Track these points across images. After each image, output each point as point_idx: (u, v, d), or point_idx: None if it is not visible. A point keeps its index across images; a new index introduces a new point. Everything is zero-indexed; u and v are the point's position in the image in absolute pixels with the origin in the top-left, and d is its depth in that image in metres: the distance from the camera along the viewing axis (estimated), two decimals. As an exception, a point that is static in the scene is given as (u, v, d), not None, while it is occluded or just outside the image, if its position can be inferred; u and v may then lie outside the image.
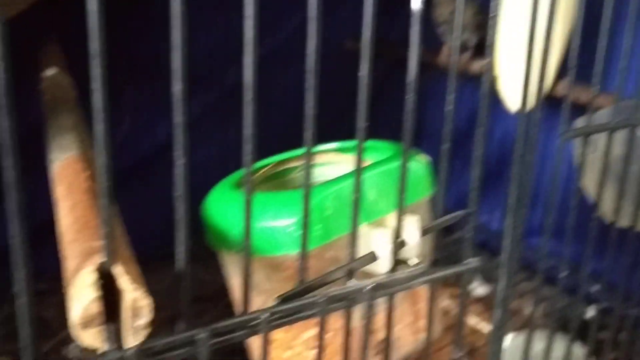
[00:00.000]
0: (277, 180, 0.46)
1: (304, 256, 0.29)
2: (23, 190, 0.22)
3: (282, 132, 0.60)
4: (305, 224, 0.28)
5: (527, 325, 0.50)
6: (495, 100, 0.87)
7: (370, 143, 0.47)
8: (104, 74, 0.22)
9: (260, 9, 0.27)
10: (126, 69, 0.88)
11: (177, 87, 0.23)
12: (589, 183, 0.77)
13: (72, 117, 0.43)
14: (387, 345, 0.35)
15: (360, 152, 0.29)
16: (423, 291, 0.41)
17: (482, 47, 0.83)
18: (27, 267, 0.22)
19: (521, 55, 0.35)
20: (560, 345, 0.51)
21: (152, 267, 0.90)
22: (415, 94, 0.31)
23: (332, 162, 0.47)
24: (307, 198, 0.28)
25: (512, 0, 0.81)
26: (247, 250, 0.27)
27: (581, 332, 0.52)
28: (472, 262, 0.37)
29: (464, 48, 0.94)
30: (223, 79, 0.98)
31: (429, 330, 0.36)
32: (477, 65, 0.92)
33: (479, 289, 1.03)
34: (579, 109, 0.46)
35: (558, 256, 1.01)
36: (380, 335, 0.36)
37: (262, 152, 0.54)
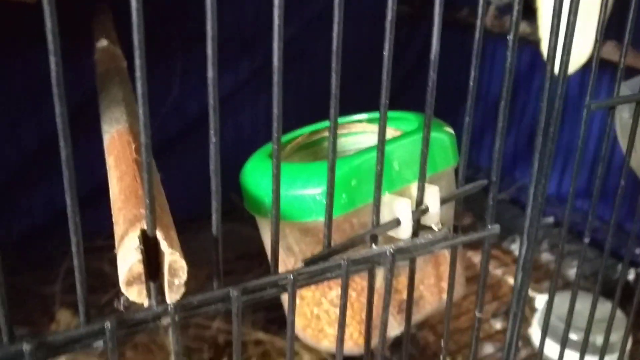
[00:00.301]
0: (312, 149, 0.49)
1: (329, 222, 0.32)
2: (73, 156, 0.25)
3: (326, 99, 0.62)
4: (330, 194, 0.31)
5: (569, 287, 0.52)
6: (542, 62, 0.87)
7: (399, 114, 0.49)
8: (142, 63, 0.24)
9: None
10: (177, 34, 0.91)
11: (211, 73, 0.26)
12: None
13: (122, 89, 0.47)
14: (409, 304, 0.37)
15: (382, 128, 0.31)
16: (446, 255, 0.43)
17: (528, 8, 0.82)
18: (77, 225, 0.25)
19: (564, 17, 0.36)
20: (601, 307, 0.52)
21: (202, 224, 0.95)
22: (436, 63, 0.33)
23: (365, 132, 0.49)
24: (332, 170, 0.30)
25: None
26: (275, 215, 0.30)
27: (624, 294, 0.53)
28: (493, 228, 0.39)
29: (508, 9, 0.93)
30: (268, 44, 1.00)
31: (450, 292, 0.38)
32: (521, 28, 0.91)
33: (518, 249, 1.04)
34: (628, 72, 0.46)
35: (603, 219, 1.01)
36: (403, 295, 0.38)
37: (305, 118, 0.56)
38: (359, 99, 0.55)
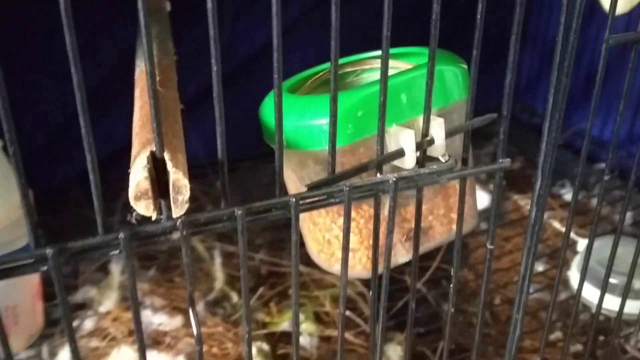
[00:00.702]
0: (340, 83, 0.50)
1: (332, 150, 0.34)
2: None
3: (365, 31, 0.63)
4: (333, 123, 0.33)
5: (614, 231, 0.52)
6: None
7: (417, 50, 0.49)
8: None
9: None
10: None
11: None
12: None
13: (158, 27, 0.49)
14: (417, 232, 0.39)
15: (385, 59, 0.32)
16: (456, 187, 0.44)
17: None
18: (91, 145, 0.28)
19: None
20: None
21: (249, 165, 0.99)
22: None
23: (390, 68, 0.50)
24: (334, 100, 0.32)
25: None
26: (279, 142, 0.32)
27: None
28: (504, 162, 0.40)
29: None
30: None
31: (459, 223, 0.40)
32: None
33: (568, 194, 1.03)
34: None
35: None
36: (411, 224, 0.40)
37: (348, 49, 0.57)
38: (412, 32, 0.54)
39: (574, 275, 0.83)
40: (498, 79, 0.48)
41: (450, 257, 0.43)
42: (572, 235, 0.92)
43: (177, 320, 0.67)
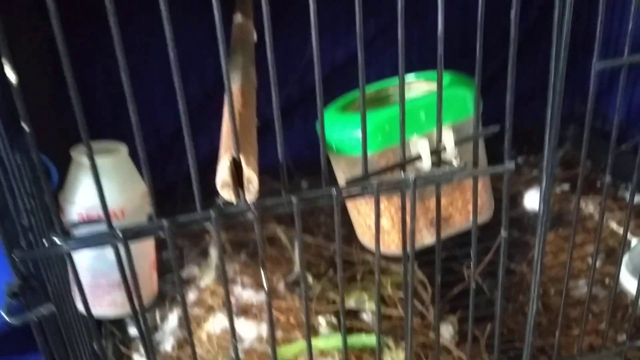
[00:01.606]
0: (379, 101, 0.62)
1: (364, 154, 0.45)
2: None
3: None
4: (364, 133, 0.44)
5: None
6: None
7: (432, 74, 0.60)
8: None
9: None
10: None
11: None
12: None
13: (244, 58, 0.63)
14: (438, 220, 0.50)
15: (402, 88, 0.44)
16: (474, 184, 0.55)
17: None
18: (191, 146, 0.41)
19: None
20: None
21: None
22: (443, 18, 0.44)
23: (417, 88, 0.61)
24: (363, 118, 0.44)
25: None
26: (322, 146, 0.44)
27: None
28: (509, 164, 0.50)
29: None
30: (391, 4, 1.11)
31: (474, 215, 0.50)
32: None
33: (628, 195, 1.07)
34: None
35: None
36: (434, 213, 0.51)
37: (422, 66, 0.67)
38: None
39: (624, 271, 0.89)
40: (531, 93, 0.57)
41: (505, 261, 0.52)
42: (628, 234, 0.97)
43: (262, 295, 0.81)
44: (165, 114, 1.07)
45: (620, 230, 0.99)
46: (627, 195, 1.10)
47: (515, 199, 1.08)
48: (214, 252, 0.90)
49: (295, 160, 0.95)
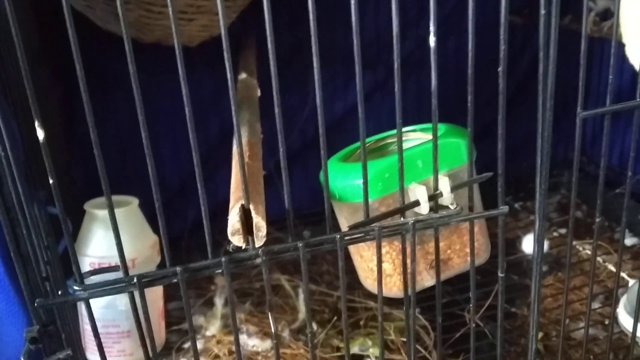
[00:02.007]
0: (378, 152, 0.65)
1: (366, 201, 0.48)
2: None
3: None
4: (365, 183, 0.47)
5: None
6: None
7: (428, 125, 0.63)
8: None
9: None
10: (308, 55, 1.10)
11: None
12: None
13: (249, 113, 0.66)
14: (437, 263, 0.52)
15: (399, 139, 0.47)
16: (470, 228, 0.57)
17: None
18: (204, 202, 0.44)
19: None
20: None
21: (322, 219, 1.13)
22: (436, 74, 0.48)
23: (416, 139, 0.64)
24: (364, 167, 0.47)
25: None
26: (327, 197, 0.47)
27: None
28: (503, 209, 0.53)
29: (605, 16, 1.00)
30: (388, 59, 1.17)
31: (471, 256, 0.53)
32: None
33: (626, 239, 1.10)
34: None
35: None
36: (434, 256, 0.53)
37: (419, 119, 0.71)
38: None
39: (622, 312, 0.90)
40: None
41: (507, 297, 0.54)
42: (625, 276, 0.99)
43: (267, 344, 0.82)
44: (170, 168, 1.10)
45: (621, 274, 1.01)
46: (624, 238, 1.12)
47: (514, 244, 1.10)
48: (219, 302, 0.91)
49: (295, 209, 0.98)
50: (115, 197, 0.71)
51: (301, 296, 0.94)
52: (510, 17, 1.24)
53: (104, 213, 0.67)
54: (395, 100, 0.47)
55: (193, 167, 1.15)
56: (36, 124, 0.39)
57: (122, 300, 0.66)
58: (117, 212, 0.67)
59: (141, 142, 0.44)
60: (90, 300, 0.45)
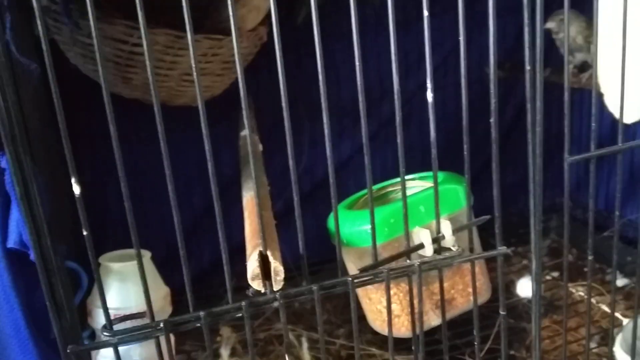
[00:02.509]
0: (381, 200, 0.69)
1: (374, 245, 0.51)
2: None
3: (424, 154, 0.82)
4: (373, 228, 0.51)
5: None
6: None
7: (428, 174, 0.67)
8: None
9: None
10: (304, 108, 1.15)
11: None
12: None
13: (255, 166, 0.70)
14: (442, 302, 0.55)
15: (403, 188, 0.51)
16: (469, 268, 0.60)
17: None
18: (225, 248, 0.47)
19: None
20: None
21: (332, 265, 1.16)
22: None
23: (415, 187, 0.68)
24: (372, 214, 0.50)
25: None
26: (337, 241, 0.50)
27: None
28: (501, 249, 0.56)
29: (583, 68, 1.07)
30: (378, 113, 1.22)
31: (474, 296, 0.56)
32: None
33: (618, 280, 1.13)
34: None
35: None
36: (439, 296, 0.56)
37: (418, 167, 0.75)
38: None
39: (619, 351, 0.93)
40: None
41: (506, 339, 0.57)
42: (619, 315, 1.02)
43: (275, 393, 0.84)
44: (173, 224, 1.13)
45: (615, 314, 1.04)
46: (616, 279, 1.15)
47: (509, 288, 1.13)
48: (225, 353, 0.93)
49: (295, 259, 1.01)
50: (127, 251, 0.74)
51: (305, 345, 0.95)
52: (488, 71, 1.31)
53: (119, 266, 0.69)
54: (386, 152, 0.51)
55: (199, 219, 1.17)
56: (73, 180, 0.42)
57: (136, 351, 0.68)
58: (131, 265, 0.70)
59: (148, 196, 0.47)
60: (104, 353, 0.47)
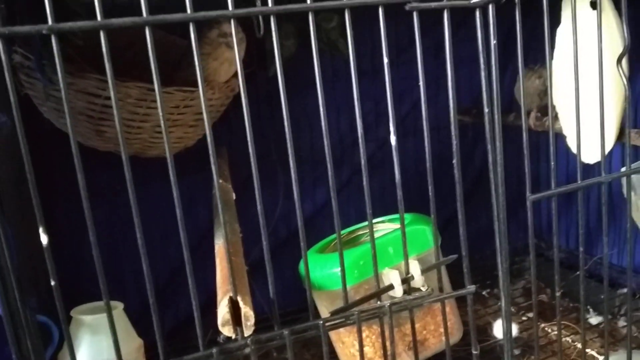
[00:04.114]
0: (351, 243, 0.70)
1: (344, 288, 0.52)
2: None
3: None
4: (342, 270, 0.51)
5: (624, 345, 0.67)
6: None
7: (397, 216, 0.69)
8: None
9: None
10: (279, 158, 1.16)
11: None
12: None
13: (228, 214, 0.71)
14: (414, 343, 0.56)
15: (371, 230, 0.52)
16: (440, 308, 0.61)
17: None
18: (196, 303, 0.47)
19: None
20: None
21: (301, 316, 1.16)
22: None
23: (384, 229, 0.69)
24: (341, 256, 0.51)
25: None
26: (308, 286, 0.51)
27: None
28: (470, 288, 0.57)
29: (546, 112, 1.10)
30: (350, 163, 1.24)
31: (446, 335, 0.56)
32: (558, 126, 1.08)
33: (592, 318, 1.14)
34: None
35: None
36: (409, 337, 0.57)
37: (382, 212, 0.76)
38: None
39: (595, 388, 0.93)
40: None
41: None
42: (594, 354, 1.03)
43: None
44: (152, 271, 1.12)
45: (587, 351, 1.04)
46: (589, 318, 1.16)
47: (485, 331, 1.13)
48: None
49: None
50: (100, 303, 0.74)
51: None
52: (461, 117, 1.35)
53: (90, 319, 0.69)
54: (360, 197, 0.52)
55: (175, 270, 1.16)
56: (40, 230, 0.42)
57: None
58: (103, 317, 0.69)
59: (124, 248, 0.48)
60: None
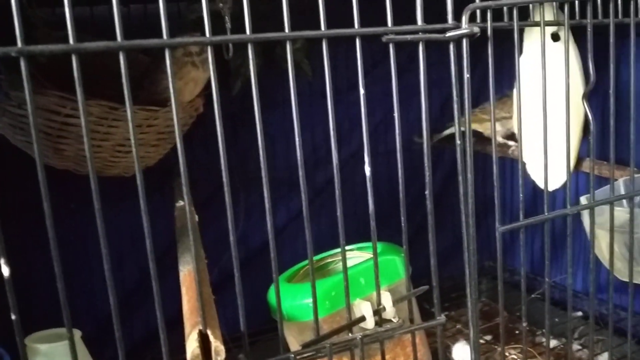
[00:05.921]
0: (321, 271, 0.69)
1: (316, 320, 0.51)
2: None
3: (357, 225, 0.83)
4: (314, 302, 0.50)
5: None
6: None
7: (366, 244, 0.68)
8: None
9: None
10: (239, 178, 1.15)
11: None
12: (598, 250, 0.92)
13: (193, 238, 0.69)
14: (384, 375, 0.55)
15: (344, 260, 0.51)
16: (410, 339, 0.61)
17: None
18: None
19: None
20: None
21: (270, 335, 1.13)
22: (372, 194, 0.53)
23: (355, 257, 0.69)
24: (313, 286, 0.50)
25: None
26: (280, 317, 0.50)
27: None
28: (440, 318, 0.57)
29: (511, 137, 1.13)
30: (314, 181, 1.23)
31: (415, 366, 0.56)
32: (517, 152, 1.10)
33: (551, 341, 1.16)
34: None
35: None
36: (380, 369, 0.56)
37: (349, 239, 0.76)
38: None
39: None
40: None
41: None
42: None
43: None
44: (102, 299, 1.09)
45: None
46: (544, 340, 1.18)
47: (444, 354, 1.14)
48: None
49: (231, 332, 0.99)
50: (55, 330, 0.70)
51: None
52: (418, 140, 1.36)
53: (46, 347, 0.66)
54: (320, 221, 0.52)
55: (130, 293, 1.12)
56: (2, 261, 0.40)
57: None
58: (61, 345, 0.66)
59: (76, 271, 0.46)
60: None
